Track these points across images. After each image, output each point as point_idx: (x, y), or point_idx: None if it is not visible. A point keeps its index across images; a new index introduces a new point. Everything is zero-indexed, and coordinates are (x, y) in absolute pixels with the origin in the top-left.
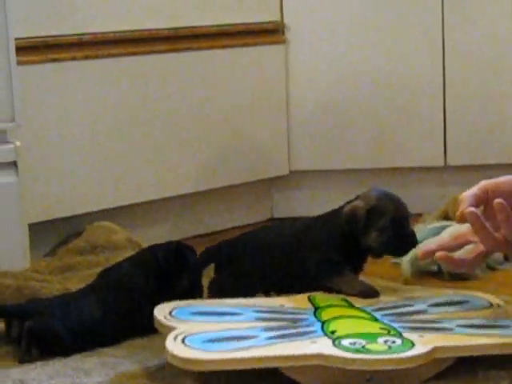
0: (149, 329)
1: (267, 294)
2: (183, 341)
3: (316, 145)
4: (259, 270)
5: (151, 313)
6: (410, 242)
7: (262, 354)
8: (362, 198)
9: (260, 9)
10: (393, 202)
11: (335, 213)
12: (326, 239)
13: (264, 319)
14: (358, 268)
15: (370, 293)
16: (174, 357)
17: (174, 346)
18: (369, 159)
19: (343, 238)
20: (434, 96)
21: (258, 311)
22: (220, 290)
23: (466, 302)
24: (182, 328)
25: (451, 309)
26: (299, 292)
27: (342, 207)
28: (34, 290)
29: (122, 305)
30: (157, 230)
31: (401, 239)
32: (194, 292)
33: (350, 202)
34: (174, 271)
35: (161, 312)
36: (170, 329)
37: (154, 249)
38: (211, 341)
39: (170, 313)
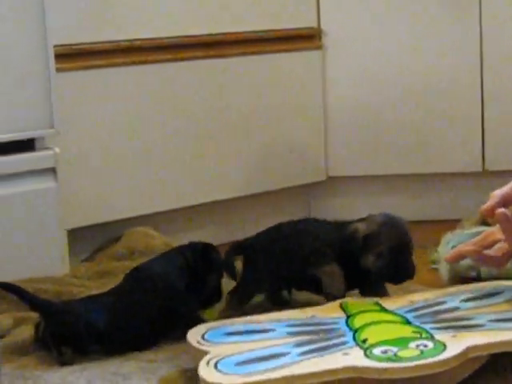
0: (182, 329)
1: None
2: (216, 366)
3: (353, 150)
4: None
5: (184, 313)
6: (406, 271)
7: (294, 373)
8: (366, 220)
9: (297, 15)
10: (395, 229)
11: (343, 226)
12: (328, 248)
13: (296, 333)
14: (359, 287)
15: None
16: (204, 382)
17: (206, 372)
18: (407, 165)
19: (343, 254)
20: (472, 100)
21: (289, 325)
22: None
23: (499, 293)
24: (214, 352)
25: (483, 302)
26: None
27: (350, 222)
28: (72, 295)
29: (154, 305)
30: (194, 235)
31: (397, 267)
32: (219, 295)
33: (361, 220)
34: (202, 271)
35: (193, 336)
36: (203, 354)
37: (181, 249)
38: (243, 363)
39: (203, 336)
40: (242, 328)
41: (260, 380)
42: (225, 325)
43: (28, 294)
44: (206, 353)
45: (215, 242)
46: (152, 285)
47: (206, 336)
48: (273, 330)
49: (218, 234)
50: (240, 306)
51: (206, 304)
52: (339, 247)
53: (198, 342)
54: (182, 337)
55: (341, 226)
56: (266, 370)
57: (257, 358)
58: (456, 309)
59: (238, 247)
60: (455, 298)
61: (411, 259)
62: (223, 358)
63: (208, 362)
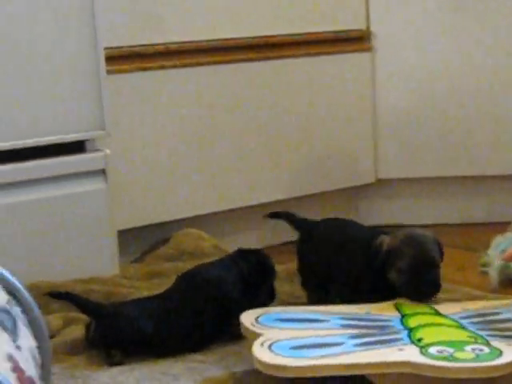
0: (236, 334)
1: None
2: (270, 347)
3: (403, 152)
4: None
5: (238, 318)
6: (426, 289)
7: (349, 361)
8: (391, 235)
9: (347, 17)
10: (416, 246)
11: (374, 236)
12: (359, 257)
13: (350, 326)
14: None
15: None
16: (262, 363)
17: (261, 352)
18: (456, 167)
19: (369, 266)
20: None
21: (343, 318)
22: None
23: None
24: (268, 334)
25: None
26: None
27: (380, 234)
28: (121, 295)
29: (207, 310)
30: (243, 237)
31: (417, 285)
32: (272, 298)
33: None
34: (257, 278)
35: (247, 318)
36: (257, 335)
37: (236, 256)
38: (298, 347)
39: (257, 319)
40: (295, 315)
41: (315, 364)
42: (278, 311)
43: (79, 298)
44: (259, 335)
45: (264, 245)
46: (207, 290)
47: (259, 319)
48: (327, 320)
49: (267, 236)
50: None
51: (258, 306)
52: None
53: (252, 324)
54: (231, 339)
55: (373, 236)
56: (321, 356)
57: (311, 344)
58: (510, 320)
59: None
60: (511, 309)
61: (433, 277)
62: (278, 342)
63: (263, 344)
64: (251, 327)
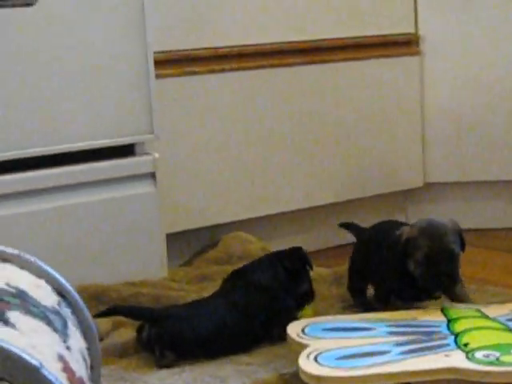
0: (279, 330)
1: None
2: (316, 358)
3: (452, 156)
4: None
5: (283, 314)
6: (442, 281)
7: (394, 370)
8: (412, 225)
9: (395, 21)
10: (433, 237)
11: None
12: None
13: (396, 333)
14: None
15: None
16: (307, 375)
17: (306, 363)
18: (505, 171)
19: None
20: None
21: (390, 325)
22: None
23: None
24: (314, 345)
25: None
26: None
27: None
28: (170, 298)
29: (254, 308)
30: (291, 240)
31: (433, 277)
32: (311, 294)
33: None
34: (297, 274)
35: (293, 330)
36: (303, 346)
37: (277, 254)
38: (344, 358)
39: (303, 330)
40: (341, 325)
41: (362, 375)
42: (325, 321)
43: (127, 308)
44: (305, 346)
45: (312, 248)
46: (253, 288)
47: (305, 330)
48: (373, 328)
49: (314, 240)
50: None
51: (299, 305)
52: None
53: (298, 336)
54: (279, 341)
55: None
56: (368, 366)
57: (357, 353)
58: None
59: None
60: None
61: (450, 269)
62: (323, 352)
63: (308, 355)
64: (297, 338)
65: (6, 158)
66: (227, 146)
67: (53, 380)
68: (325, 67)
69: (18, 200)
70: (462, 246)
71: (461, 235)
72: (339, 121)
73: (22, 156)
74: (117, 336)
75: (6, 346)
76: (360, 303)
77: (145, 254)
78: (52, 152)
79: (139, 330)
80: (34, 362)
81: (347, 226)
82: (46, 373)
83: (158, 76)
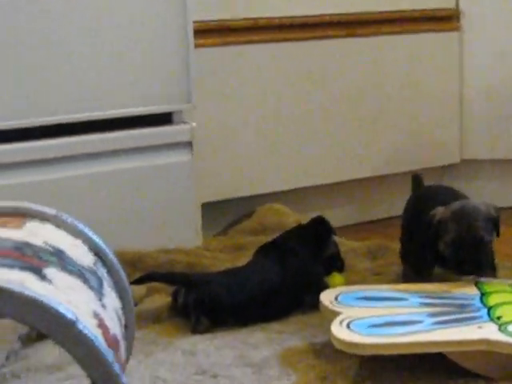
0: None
1: None
2: (348, 326)
3: (489, 134)
4: None
5: (313, 281)
6: (468, 267)
7: (426, 339)
8: (446, 206)
9: None
10: (462, 222)
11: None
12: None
13: (429, 305)
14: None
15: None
16: (339, 341)
17: (339, 330)
18: None
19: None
20: None
21: (422, 296)
22: None
23: None
24: (347, 313)
25: None
26: None
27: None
28: (204, 266)
29: (287, 276)
30: (326, 213)
31: (459, 262)
32: (339, 260)
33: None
34: (322, 240)
35: (326, 297)
36: (336, 314)
37: (305, 224)
38: (376, 326)
39: (336, 298)
40: (374, 294)
41: (394, 342)
42: (357, 290)
43: (163, 274)
44: (338, 313)
45: (347, 222)
46: (285, 257)
47: (338, 298)
48: (405, 299)
49: (350, 214)
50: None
51: (326, 270)
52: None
53: (331, 303)
54: (310, 310)
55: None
56: (400, 334)
57: (390, 322)
58: None
59: None
60: None
61: (476, 256)
62: (356, 320)
63: (341, 322)
64: (330, 306)
65: (48, 123)
66: (264, 117)
67: (88, 334)
68: (364, 41)
69: (59, 165)
70: (497, 233)
71: (495, 221)
72: (377, 95)
73: (64, 121)
74: (150, 302)
75: (43, 299)
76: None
77: (180, 223)
78: (92, 118)
79: (174, 296)
80: (69, 315)
81: (416, 178)
82: (81, 327)
83: (197, 46)
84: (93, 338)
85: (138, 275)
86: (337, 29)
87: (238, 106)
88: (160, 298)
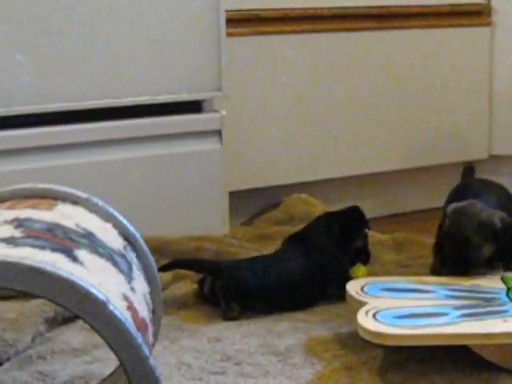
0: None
1: None
2: (374, 316)
3: None
4: None
5: (337, 272)
6: (445, 261)
7: (452, 332)
8: (458, 203)
9: None
10: (453, 220)
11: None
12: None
13: (455, 297)
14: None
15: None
16: (365, 330)
17: (365, 320)
18: None
19: None
20: None
21: (449, 289)
22: None
23: None
24: (373, 303)
25: None
26: None
27: None
28: (231, 254)
29: (313, 266)
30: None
31: (442, 256)
32: (365, 253)
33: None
34: (351, 231)
35: (353, 287)
36: (362, 304)
37: (335, 213)
38: (402, 317)
39: (362, 288)
40: (400, 286)
41: (419, 334)
42: (384, 281)
43: (190, 261)
44: (364, 303)
45: (373, 215)
46: (311, 247)
47: (364, 288)
48: (431, 291)
49: (375, 207)
50: None
51: (352, 261)
52: None
53: (357, 293)
54: (334, 300)
55: None
56: (425, 326)
57: (416, 313)
58: None
59: None
60: None
61: (460, 252)
62: (382, 310)
63: (367, 312)
64: (356, 296)
65: (81, 108)
66: (294, 107)
67: (118, 315)
68: (395, 34)
69: (89, 150)
70: (487, 238)
71: (495, 231)
72: (407, 88)
73: (97, 106)
74: (176, 288)
75: (75, 280)
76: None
77: (207, 210)
78: (124, 104)
79: (201, 283)
80: (100, 296)
81: (468, 169)
82: (111, 307)
83: (228, 34)
84: (123, 319)
85: (164, 262)
86: (366, 21)
87: (268, 95)
88: (185, 285)
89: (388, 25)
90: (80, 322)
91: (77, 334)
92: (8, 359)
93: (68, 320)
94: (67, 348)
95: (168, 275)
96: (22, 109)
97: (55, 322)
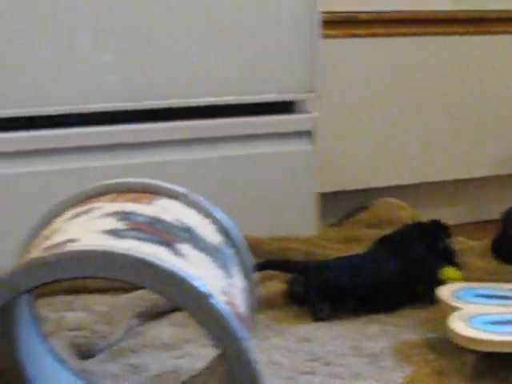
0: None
1: None
2: (467, 321)
3: None
4: None
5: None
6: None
7: None
8: None
9: None
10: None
11: None
12: None
13: None
14: None
15: None
16: (456, 335)
17: (456, 324)
18: None
19: None
20: None
21: None
22: None
23: None
24: (467, 309)
25: None
26: None
27: None
28: (319, 255)
29: (406, 264)
30: (440, 211)
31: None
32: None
33: None
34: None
35: (445, 292)
36: (454, 309)
37: (421, 224)
38: (496, 323)
39: (454, 293)
40: (495, 292)
41: (509, 340)
42: (477, 286)
43: (282, 262)
44: (456, 308)
45: (460, 221)
46: (401, 251)
47: (457, 294)
48: None
49: (464, 212)
50: None
51: (438, 262)
52: None
53: (449, 298)
54: (423, 305)
55: None
56: None
57: (508, 320)
58: None
59: None
60: None
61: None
62: (476, 316)
63: (459, 317)
64: (448, 301)
65: (180, 105)
66: (386, 110)
67: (220, 309)
68: (477, 39)
69: (180, 147)
70: None
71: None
72: (497, 93)
73: (190, 105)
74: (265, 288)
75: (180, 273)
76: None
77: (296, 211)
78: (217, 103)
79: (290, 284)
80: (203, 289)
81: None
82: (214, 301)
83: (323, 36)
84: (225, 313)
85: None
86: (456, 26)
87: (360, 98)
88: (273, 284)
89: (468, 30)
90: (170, 318)
91: (167, 329)
92: (100, 351)
93: (159, 315)
94: (158, 342)
95: (257, 274)
96: (124, 105)
97: (146, 317)
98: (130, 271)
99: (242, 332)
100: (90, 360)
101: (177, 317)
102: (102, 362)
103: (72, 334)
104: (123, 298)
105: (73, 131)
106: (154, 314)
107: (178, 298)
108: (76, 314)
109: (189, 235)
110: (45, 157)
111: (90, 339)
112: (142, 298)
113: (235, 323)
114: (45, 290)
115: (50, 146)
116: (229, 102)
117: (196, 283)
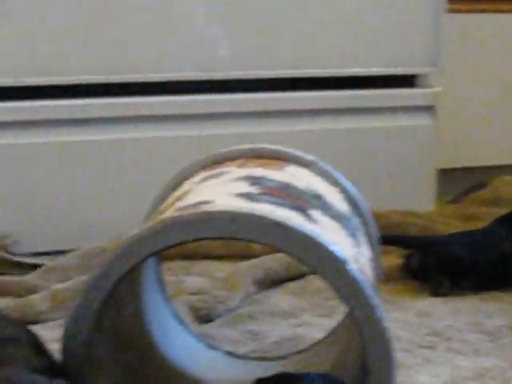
0: None
1: None
2: None
3: None
4: None
5: None
6: None
7: None
8: None
9: None
10: None
11: None
12: None
13: None
14: None
15: None
16: None
17: None
18: None
19: None
20: None
21: None
22: None
23: None
24: None
25: None
26: None
27: None
28: (437, 231)
29: None
30: None
31: None
32: None
33: None
34: None
35: None
36: None
37: None
38: None
39: None
40: None
41: None
42: None
43: (399, 237)
44: None
45: None
46: None
47: None
48: None
49: None
50: None
51: None
52: None
53: None
54: None
55: None
56: None
57: None
58: None
59: None
60: None
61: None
62: None
63: None
64: None
65: (299, 76)
66: (509, 88)
67: (356, 275)
68: None
69: (307, 117)
70: None
71: None
72: None
73: (322, 75)
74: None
75: (318, 238)
76: None
77: (414, 186)
78: (342, 74)
79: (407, 259)
80: (341, 255)
81: None
82: (350, 268)
83: (448, 10)
84: (361, 280)
85: None
86: None
87: (485, 74)
88: (388, 259)
89: None
90: (285, 287)
91: (284, 298)
92: (218, 316)
93: (274, 283)
94: (276, 310)
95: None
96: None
97: (264, 284)
98: (268, 234)
99: (376, 299)
100: (209, 324)
101: (292, 286)
102: (221, 326)
103: (192, 297)
104: (241, 265)
105: (205, 97)
106: (270, 283)
107: (315, 263)
108: (194, 278)
109: (319, 202)
110: (177, 122)
111: (209, 304)
112: (260, 266)
113: (371, 290)
114: (162, 254)
115: (185, 111)
116: (356, 74)
117: (334, 248)
